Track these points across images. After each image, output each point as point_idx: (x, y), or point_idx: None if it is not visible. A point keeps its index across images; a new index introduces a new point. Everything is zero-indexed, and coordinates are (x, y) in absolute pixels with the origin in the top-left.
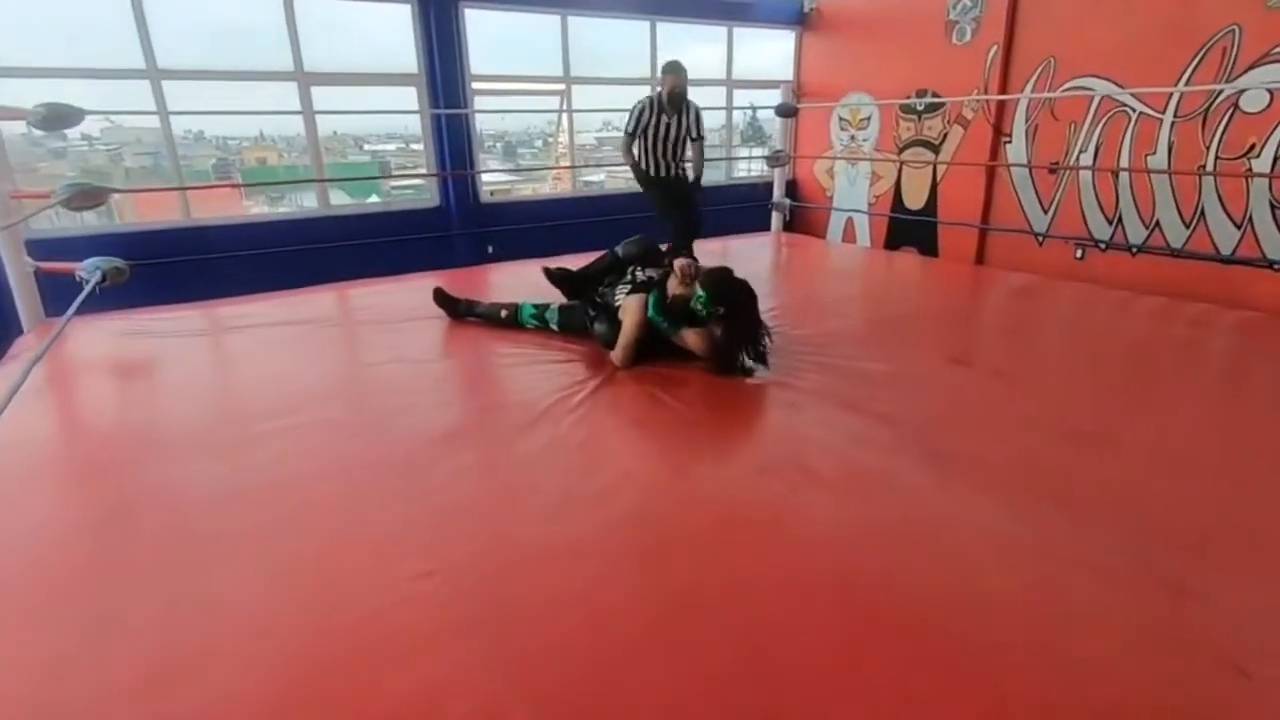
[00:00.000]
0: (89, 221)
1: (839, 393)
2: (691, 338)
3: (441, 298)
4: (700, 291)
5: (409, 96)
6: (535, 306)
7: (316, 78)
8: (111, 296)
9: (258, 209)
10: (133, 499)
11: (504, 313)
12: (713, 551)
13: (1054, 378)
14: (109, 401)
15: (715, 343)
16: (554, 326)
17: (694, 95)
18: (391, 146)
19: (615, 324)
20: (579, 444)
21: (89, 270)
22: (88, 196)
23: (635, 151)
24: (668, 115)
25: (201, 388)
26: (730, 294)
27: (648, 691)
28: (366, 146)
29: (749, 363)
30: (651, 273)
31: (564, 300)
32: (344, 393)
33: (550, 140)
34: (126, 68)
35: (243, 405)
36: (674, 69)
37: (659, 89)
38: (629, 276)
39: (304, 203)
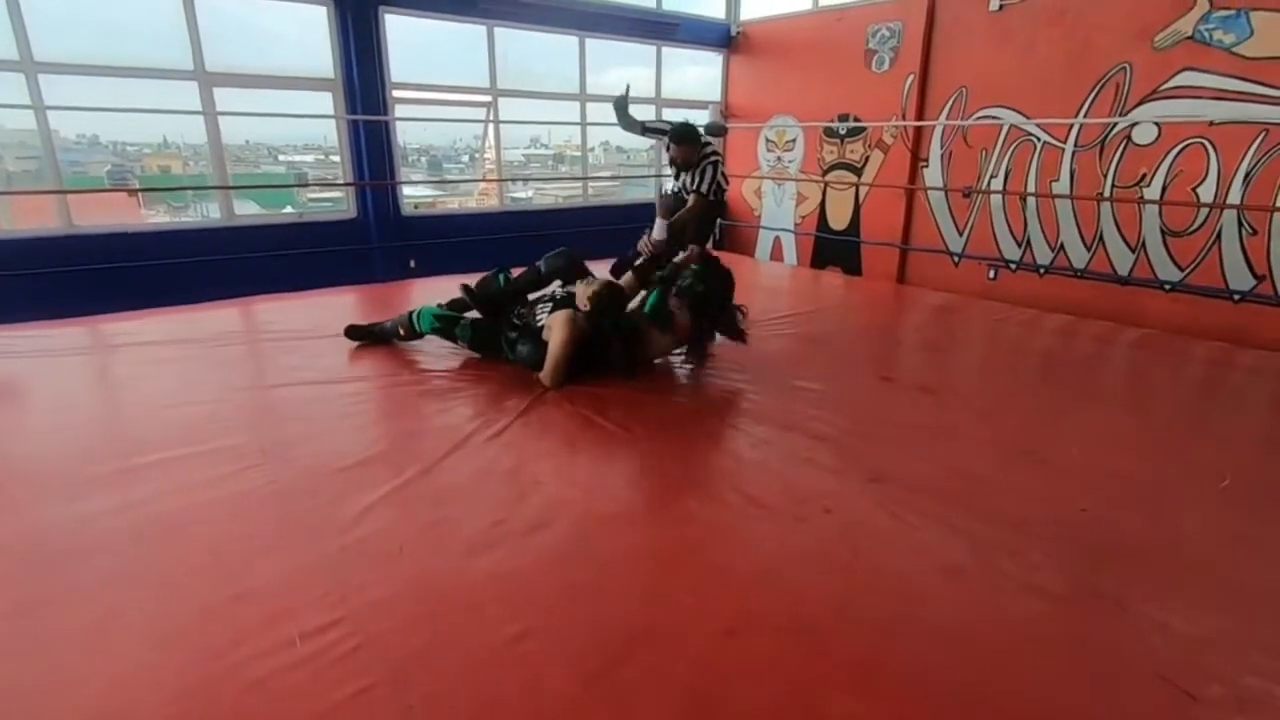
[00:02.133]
0: None
1: (776, 413)
2: (679, 317)
3: (355, 333)
4: (694, 266)
5: (324, 102)
6: (439, 314)
7: (220, 78)
8: None
9: (158, 220)
10: None
11: (402, 330)
12: (653, 587)
13: (978, 394)
14: None
15: (704, 312)
16: (463, 343)
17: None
18: (309, 158)
19: (540, 344)
20: (507, 471)
21: None
22: None
23: None
24: (684, 170)
25: (72, 415)
26: (723, 271)
27: None
28: (282, 157)
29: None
30: (571, 289)
31: (476, 316)
32: (240, 419)
33: (477, 156)
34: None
35: (120, 434)
36: (678, 139)
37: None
38: (549, 295)
39: (211, 214)
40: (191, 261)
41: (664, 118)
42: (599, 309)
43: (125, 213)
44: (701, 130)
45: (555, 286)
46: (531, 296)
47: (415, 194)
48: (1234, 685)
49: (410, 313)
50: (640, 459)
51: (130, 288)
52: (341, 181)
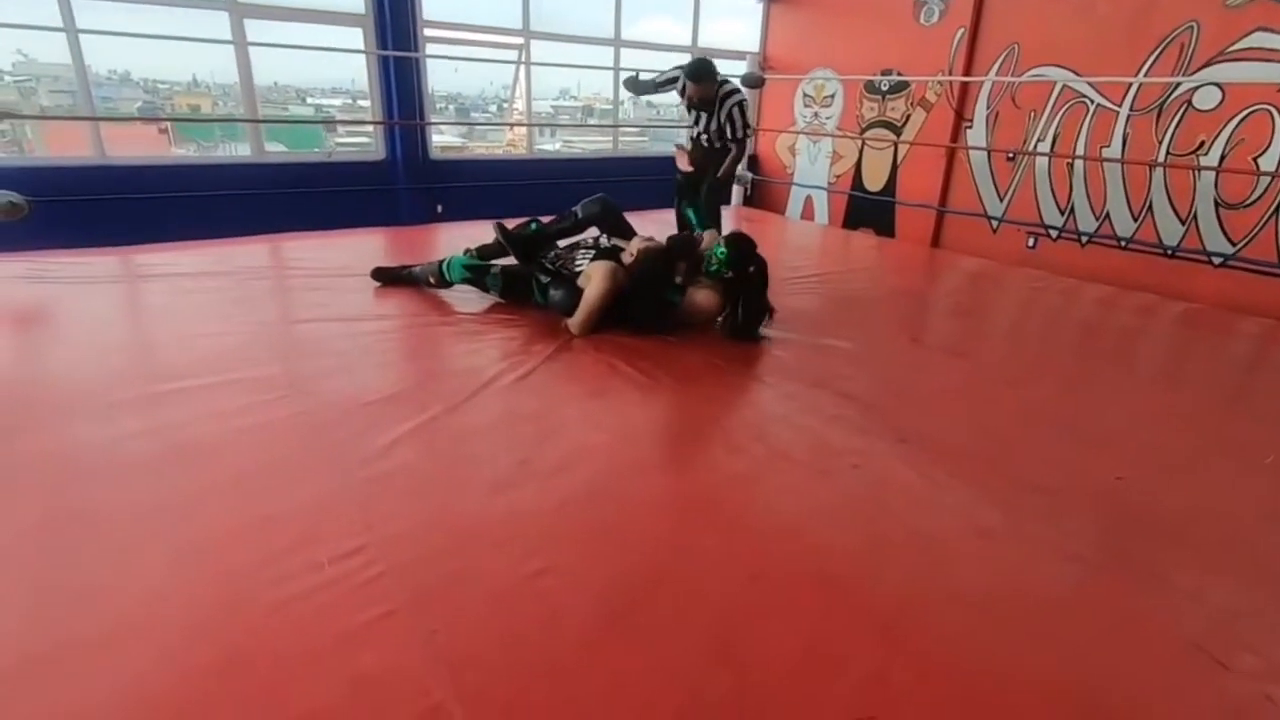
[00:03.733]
0: None
1: (804, 369)
2: (702, 296)
3: (382, 275)
4: (720, 249)
5: (354, 38)
6: (470, 264)
7: (251, 9)
8: (8, 235)
9: (185, 150)
10: (7, 468)
11: (432, 279)
12: (675, 534)
13: (1013, 362)
14: None
15: (739, 303)
16: (493, 292)
17: (660, 60)
18: (337, 101)
19: (574, 290)
20: (532, 413)
21: None
22: None
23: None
24: (704, 111)
25: (103, 340)
26: (755, 255)
27: (605, 688)
28: (310, 100)
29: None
30: (617, 241)
31: (508, 262)
32: (269, 351)
33: (506, 105)
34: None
35: (150, 361)
36: (693, 75)
37: (687, 85)
38: (591, 242)
39: (239, 153)
40: (222, 195)
41: (675, 65)
42: (644, 266)
43: (156, 148)
44: (737, 80)
45: (591, 234)
46: (565, 242)
47: (443, 139)
48: (1268, 656)
49: (440, 262)
50: (665, 408)
51: (161, 219)
52: (371, 119)
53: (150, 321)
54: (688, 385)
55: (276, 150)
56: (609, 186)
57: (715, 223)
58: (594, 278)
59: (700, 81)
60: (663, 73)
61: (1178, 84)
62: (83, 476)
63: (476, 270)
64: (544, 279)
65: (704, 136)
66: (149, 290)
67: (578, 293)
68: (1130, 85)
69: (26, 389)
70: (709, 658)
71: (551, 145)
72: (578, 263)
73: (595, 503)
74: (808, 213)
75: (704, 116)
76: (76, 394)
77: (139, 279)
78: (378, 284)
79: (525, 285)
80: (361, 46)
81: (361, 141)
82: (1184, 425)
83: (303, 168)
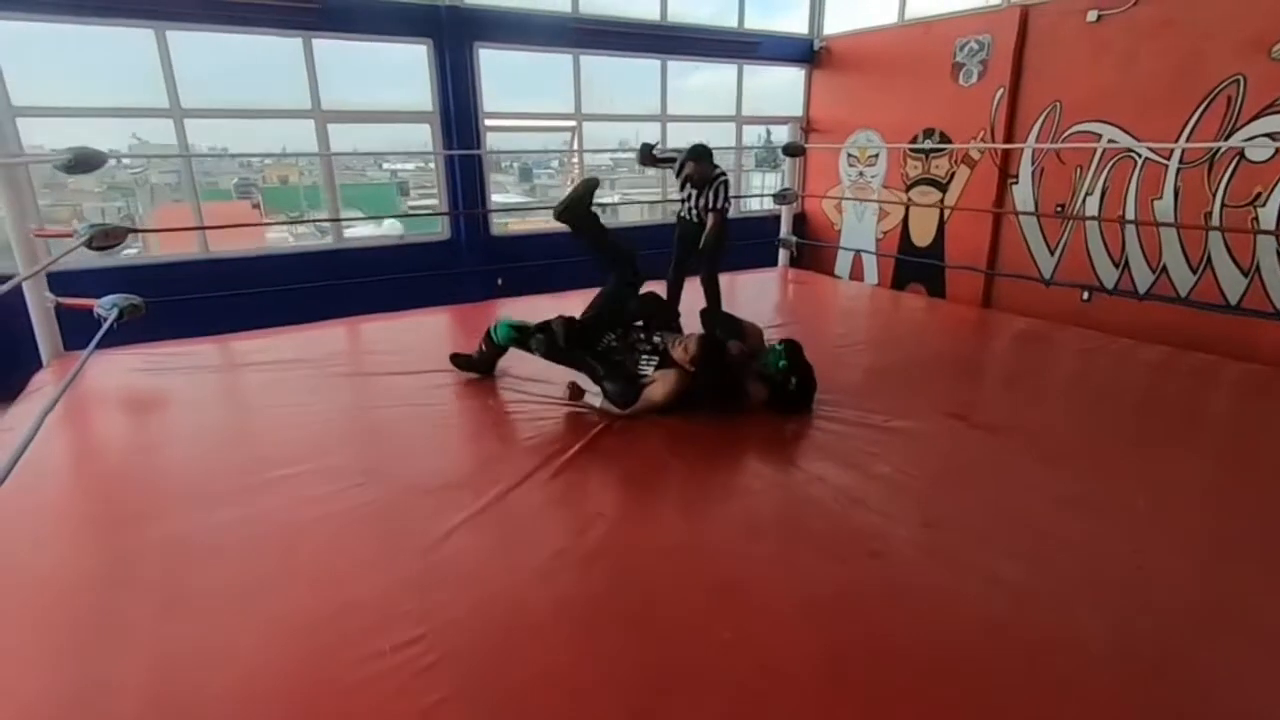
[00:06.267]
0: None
1: (839, 448)
2: (754, 389)
3: (460, 362)
4: (782, 362)
5: (423, 133)
6: (513, 329)
7: (333, 115)
8: (129, 329)
9: (277, 231)
10: (136, 551)
11: (483, 345)
12: (698, 622)
13: (1051, 437)
14: (121, 444)
15: (785, 392)
16: (536, 352)
17: (704, 133)
18: (410, 166)
19: (629, 385)
20: (572, 501)
21: (106, 308)
22: (109, 236)
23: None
24: (694, 188)
25: (211, 431)
26: (805, 366)
27: None
28: (385, 165)
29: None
30: (665, 336)
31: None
32: (347, 438)
33: (565, 161)
34: (152, 107)
35: (250, 450)
36: (695, 155)
37: (687, 164)
38: (648, 345)
39: (323, 224)
40: (306, 280)
41: (675, 146)
42: (705, 367)
43: (248, 218)
44: (779, 150)
45: (654, 335)
46: (619, 335)
47: (505, 199)
48: None
49: (489, 329)
50: (696, 492)
51: (255, 305)
52: (438, 210)
53: (245, 411)
54: (720, 469)
55: (353, 217)
56: (663, 257)
57: (716, 300)
58: (666, 382)
59: (700, 161)
60: (665, 150)
61: (1228, 135)
62: (194, 559)
63: (521, 331)
64: (599, 368)
65: (694, 211)
66: (245, 380)
67: (633, 386)
68: (1179, 136)
69: (150, 477)
70: None
71: (612, 197)
72: (641, 368)
73: (624, 591)
74: (857, 269)
75: (694, 193)
76: (190, 481)
77: (237, 368)
78: (448, 366)
79: (572, 358)
80: (429, 139)
81: (430, 202)
82: (1224, 506)
83: (377, 250)
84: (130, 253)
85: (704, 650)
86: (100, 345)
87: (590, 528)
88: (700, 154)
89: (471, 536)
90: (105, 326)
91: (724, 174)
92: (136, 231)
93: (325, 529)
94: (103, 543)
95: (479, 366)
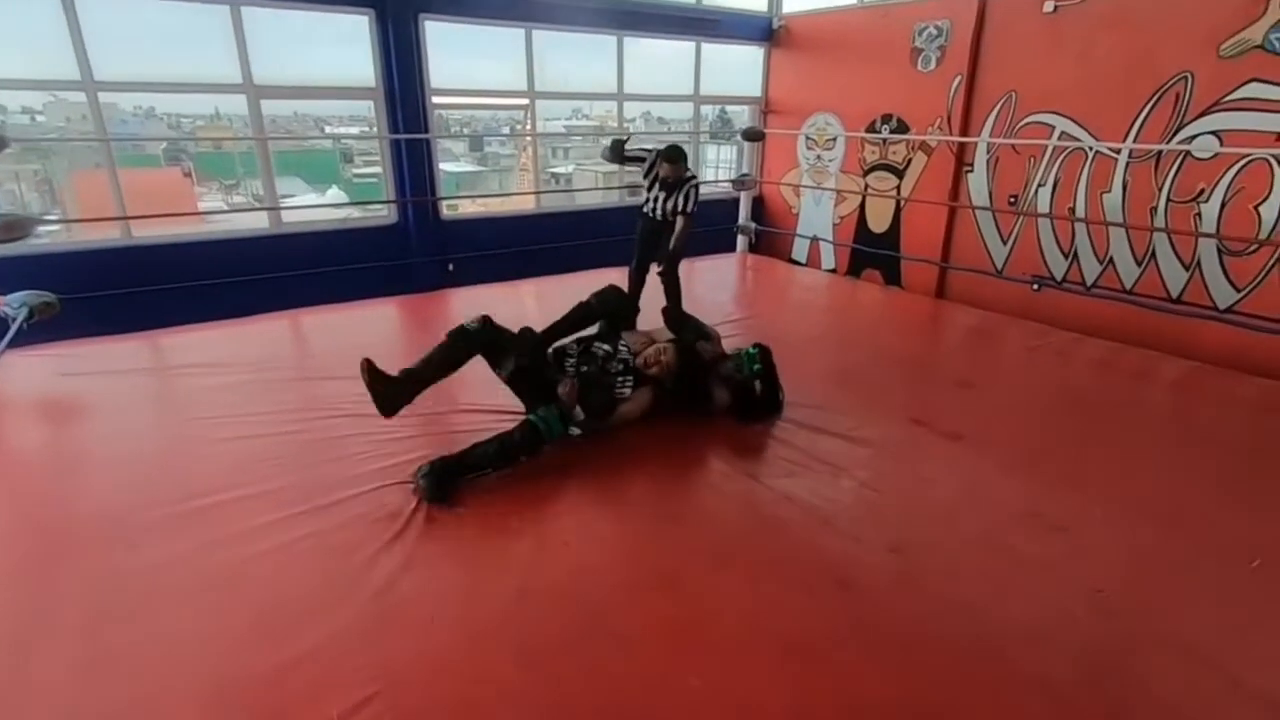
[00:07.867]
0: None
1: (806, 464)
2: (719, 395)
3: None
4: (752, 351)
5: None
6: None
7: (267, 90)
8: (42, 327)
9: (210, 199)
10: (48, 600)
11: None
12: (666, 669)
13: (1009, 444)
14: (31, 467)
15: (751, 397)
16: (501, 373)
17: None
18: (354, 129)
19: (606, 399)
20: (534, 530)
21: (14, 306)
22: (11, 229)
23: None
24: (663, 189)
25: (134, 448)
26: (774, 372)
27: None
28: (328, 129)
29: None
30: (629, 345)
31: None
32: (281, 457)
33: (518, 125)
34: (62, 79)
35: (179, 471)
36: (670, 157)
37: (661, 164)
38: (619, 364)
39: (258, 191)
40: (241, 267)
41: (642, 145)
42: (683, 377)
43: (180, 196)
44: (739, 135)
45: (619, 345)
46: (593, 352)
47: (454, 168)
48: None
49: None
50: (665, 511)
51: (185, 295)
52: (385, 199)
53: (173, 423)
54: (688, 487)
55: (293, 189)
56: (617, 244)
57: (677, 298)
58: (639, 400)
59: (674, 162)
60: (635, 149)
61: (1175, 131)
62: (108, 613)
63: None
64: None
65: (661, 210)
66: (173, 386)
67: (611, 401)
68: (1129, 131)
69: (66, 507)
70: None
71: (565, 167)
72: (618, 389)
73: (591, 636)
74: (814, 254)
75: (663, 194)
76: (109, 516)
77: (164, 371)
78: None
79: (535, 380)
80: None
81: (376, 171)
82: (1174, 517)
83: (319, 236)
84: (39, 242)
85: (673, 698)
86: (9, 346)
87: (554, 560)
88: (675, 156)
89: (427, 571)
90: (14, 328)
91: (695, 177)
92: (43, 224)
93: (264, 568)
94: (8, 591)
95: (399, 393)
